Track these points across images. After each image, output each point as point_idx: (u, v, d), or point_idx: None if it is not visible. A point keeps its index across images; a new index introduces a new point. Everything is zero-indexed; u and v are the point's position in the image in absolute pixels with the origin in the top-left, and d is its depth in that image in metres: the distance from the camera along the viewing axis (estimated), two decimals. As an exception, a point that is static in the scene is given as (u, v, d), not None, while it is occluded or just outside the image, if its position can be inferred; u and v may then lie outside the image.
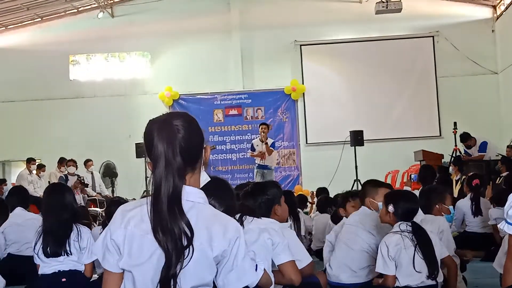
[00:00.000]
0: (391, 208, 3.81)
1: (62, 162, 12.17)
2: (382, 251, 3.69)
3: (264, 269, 2.63)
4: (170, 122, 1.80)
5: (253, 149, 11.31)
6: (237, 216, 3.17)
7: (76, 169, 12.06)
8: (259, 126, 11.34)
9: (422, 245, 3.61)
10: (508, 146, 11.44)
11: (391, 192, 4.17)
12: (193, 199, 1.80)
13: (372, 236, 4.21)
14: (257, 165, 11.22)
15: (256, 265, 2.53)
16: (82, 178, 11.75)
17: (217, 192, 2.48)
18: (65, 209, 4.28)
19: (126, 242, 1.78)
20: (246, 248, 1.84)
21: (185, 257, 1.70)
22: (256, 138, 11.68)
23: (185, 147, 1.78)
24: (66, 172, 11.95)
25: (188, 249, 1.70)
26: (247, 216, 3.20)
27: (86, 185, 11.75)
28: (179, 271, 1.70)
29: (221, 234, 1.77)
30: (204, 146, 1.92)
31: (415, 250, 3.59)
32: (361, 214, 4.35)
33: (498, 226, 2.75)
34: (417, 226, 3.72)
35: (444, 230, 4.47)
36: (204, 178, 1.93)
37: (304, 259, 3.51)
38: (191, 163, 1.83)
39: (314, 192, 10.02)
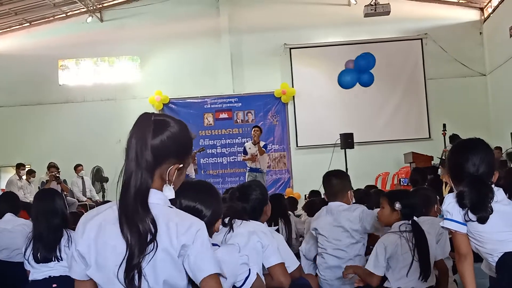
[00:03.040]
0: (398, 205, 3.75)
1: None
2: (378, 250, 3.66)
3: (257, 274, 2.62)
4: (149, 117, 1.86)
5: (245, 152, 11.25)
6: (227, 219, 3.15)
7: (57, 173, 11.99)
8: (252, 129, 11.31)
9: (419, 246, 3.57)
10: (496, 148, 11.49)
11: (394, 191, 4.22)
12: (152, 201, 1.79)
13: (357, 238, 4.18)
14: (248, 168, 11.20)
15: (250, 269, 2.52)
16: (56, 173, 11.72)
17: (201, 196, 2.43)
18: (55, 215, 4.25)
19: (91, 252, 1.80)
20: (208, 240, 1.82)
21: (148, 252, 1.72)
22: (248, 141, 11.66)
23: (157, 145, 1.82)
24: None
25: (152, 244, 1.72)
26: (236, 220, 3.19)
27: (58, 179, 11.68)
28: (142, 261, 1.71)
29: (182, 230, 1.76)
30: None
31: (413, 254, 3.55)
32: (336, 213, 4.24)
33: (440, 225, 2.75)
34: (417, 225, 3.67)
35: (443, 233, 4.45)
36: (169, 194, 1.89)
37: (291, 264, 3.46)
38: (160, 162, 1.84)
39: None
